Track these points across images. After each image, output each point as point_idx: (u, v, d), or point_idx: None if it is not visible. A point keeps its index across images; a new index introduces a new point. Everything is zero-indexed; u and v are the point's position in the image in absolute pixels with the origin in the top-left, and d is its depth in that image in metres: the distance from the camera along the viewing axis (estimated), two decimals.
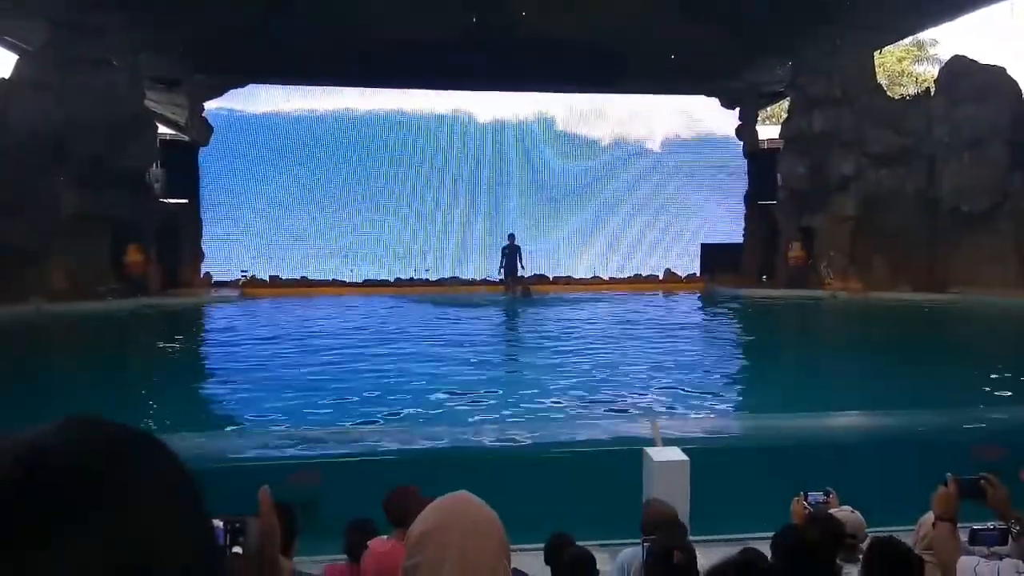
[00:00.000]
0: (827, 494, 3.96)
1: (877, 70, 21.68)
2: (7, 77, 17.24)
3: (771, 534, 3.60)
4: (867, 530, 3.72)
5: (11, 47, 18.22)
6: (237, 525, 1.96)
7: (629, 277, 23.25)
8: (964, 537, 3.03)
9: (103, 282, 17.76)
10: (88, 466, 0.47)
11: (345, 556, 4.02)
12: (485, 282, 21.94)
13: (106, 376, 10.90)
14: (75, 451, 0.48)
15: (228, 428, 8.63)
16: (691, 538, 3.73)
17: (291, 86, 22.12)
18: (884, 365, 11.48)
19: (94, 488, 0.46)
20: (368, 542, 3.74)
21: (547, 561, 3.66)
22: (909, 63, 34.42)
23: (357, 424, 8.32)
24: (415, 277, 22.27)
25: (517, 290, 20.54)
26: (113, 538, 0.45)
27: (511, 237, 20.94)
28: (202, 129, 21.46)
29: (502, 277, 21.11)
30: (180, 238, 20.86)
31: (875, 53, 21.63)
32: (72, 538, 0.44)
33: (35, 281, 16.86)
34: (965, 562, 2.84)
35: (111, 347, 13.99)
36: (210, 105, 21.50)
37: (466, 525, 1.23)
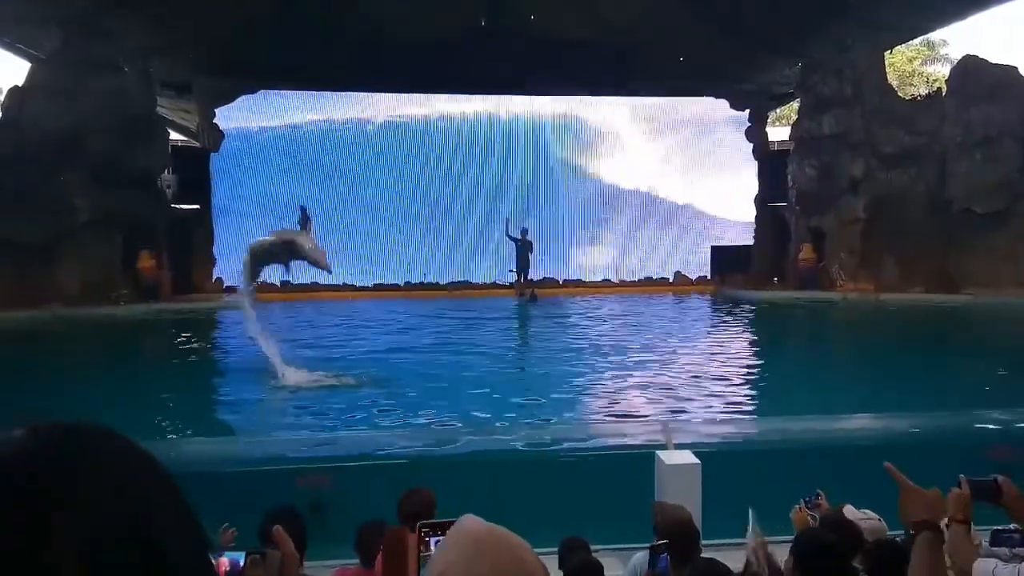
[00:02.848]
0: (816, 496, 3.96)
1: (887, 70, 21.58)
2: (21, 84, 17.42)
3: (783, 538, 3.59)
4: (888, 534, 3.70)
5: (24, 54, 18.41)
6: (257, 557, 1.98)
7: (639, 280, 23.21)
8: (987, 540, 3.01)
9: (116, 287, 17.89)
10: (70, 455, 0.52)
11: (356, 560, 4.02)
12: (495, 285, 21.95)
13: (116, 381, 10.95)
14: (56, 444, 0.53)
15: (239, 434, 8.67)
16: (703, 542, 3.72)
17: (301, 91, 22.20)
18: (896, 367, 11.41)
19: (77, 471, 0.52)
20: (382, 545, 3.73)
21: (560, 566, 3.65)
22: (920, 63, 34.26)
23: (370, 427, 8.33)
24: (424, 281, 22.29)
25: (526, 293, 20.54)
26: (99, 508, 0.51)
27: (524, 232, 20.90)
28: (213, 135, 21.57)
29: (514, 272, 21.10)
30: (192, 243, 20.97)
31: (885, 53, 21.54)
32: (66, 509, 0.49)
33: (49, 285, 17.03)
34: (982, 565, 2.82)
35: (123, 352, 14.05)
36: (222, 112, 21.61)
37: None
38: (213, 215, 21.65)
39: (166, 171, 20.12)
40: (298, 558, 2.34)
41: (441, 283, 22.28)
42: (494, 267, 22.20)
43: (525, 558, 1.09)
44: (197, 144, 22.06)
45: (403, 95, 22.64)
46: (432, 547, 1.48)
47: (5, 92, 17.57)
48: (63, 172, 17.11)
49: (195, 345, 15.05)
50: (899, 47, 27.05)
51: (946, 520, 3.12)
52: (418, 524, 1.46)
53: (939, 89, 20.73)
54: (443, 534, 1.50)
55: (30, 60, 18.19)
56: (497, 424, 8.33)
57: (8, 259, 16.46)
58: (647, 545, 3.65)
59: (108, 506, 0.52)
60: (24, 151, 16.67)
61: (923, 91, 25.71)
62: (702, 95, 23.24)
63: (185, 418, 8.97)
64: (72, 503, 0.50)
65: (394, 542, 1.43)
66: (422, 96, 22.71)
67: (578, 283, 22.90)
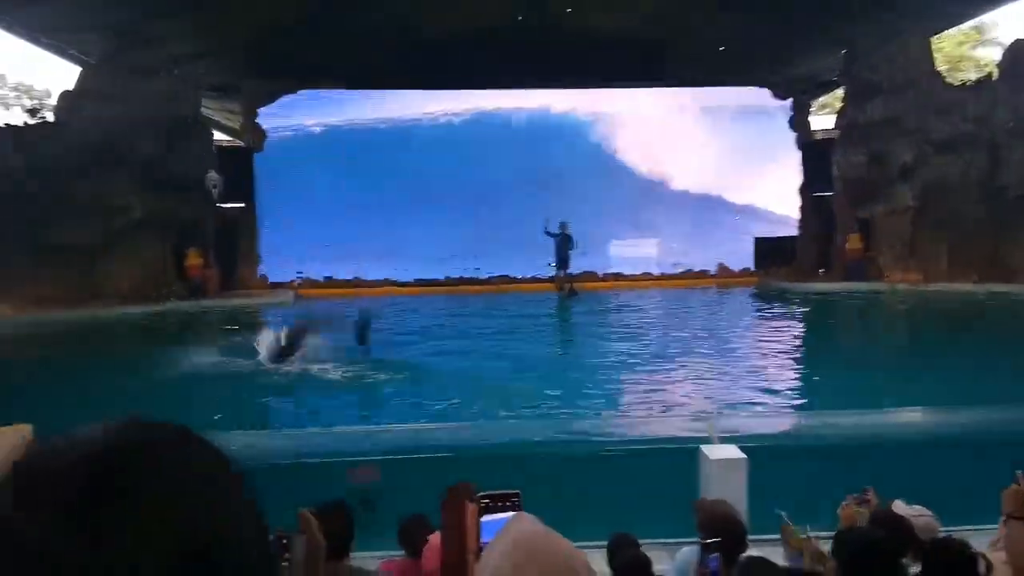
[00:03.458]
0: (865, 492, 3.88)
1: (936, 55, 21.01)
2: (72, 88, 17.90)
3: (830, 533, 3.52)
4: (941, 530, 3.61)
5: (74, 59, 18.92)
6: (284, 541, 1.99)
7: (680, 273, 22.98)
8: None
9: (165, 285, 18.34)
10: (149, 454, 0.54)
11: (401, 552, 4.06)
12: (535, 280, 21.92)
13: (168, 377, 11.19)
14: (137, 442, 0.55)
15: (288, 428, 8.80)
16: (750, 537, 3.67)
17: (341, 90, 22.40)
18: (948, 359, 11.12)
19: (155, 471, 0.53)
20: (428, 536, 3.76)
21: (610, 562, 3.63)
22: (969, 47, 33.29)
23: (412, 422, 8.39)
24: (465, 276, 22.35)
25: (565, 287, 20.48)
26: (173, 509, 0.52)
27: (563, 226, 20.81)
28: (257, 135, 21.91)
29: (553, 266, 21.03)
30: (237, 241, 21.37)
31: (933, 38, 20.96)
32: (141, 509, 0.51)
33: (102, 285, 17.54)
34: None
35: (172, 348, 14.34)
36: (264, 112, 21.92)
37: None
38: (258, 213, 22.01)
39: (211, 171, 20.51)
40: (324, 544, 2.34)
41: (482, 278, 22.33)
42: (535, 261, 22.12)
43: (575, 566, 1.07)
44: (241, 144, 22.45)
45: (442, 92, 22.67)
46: (487, 519, 1.48)
47: (57, 96, 18.07)
48: (113, 174, 17.56)
49: (238, 340, 15.29)
50: (948, 31, 26.29)
51: (1003, 516, 3.04)
52: (477, 495, 1.47)
53: (990, 74, 20.13)
54: (500, 504, 1.49)
55: (80, 64, 18.69)
56: (538, 418, 8.33)
57: (62, 260, 16.96)
58: (694, 540, 3.62)
59: (181, 504, 0.53)
60: (76, 154, 17.15)
61: (973, 76, 24.97)
62: (743, 84, 22.89)
63: (232, 412, 9.14)
64: (145, 500, 0.51)
65: (455, 501, 1.44)
66: (462, 92, 22.72)
67: (618, 277, 22.76)
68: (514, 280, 22.22)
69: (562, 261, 20.90)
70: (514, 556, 1.05)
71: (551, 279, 21.34)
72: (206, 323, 17.14)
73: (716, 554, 3.15)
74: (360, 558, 4.00)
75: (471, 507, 1.44)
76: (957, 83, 21.21)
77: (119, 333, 15.72)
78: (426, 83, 21.95)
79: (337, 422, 8.73)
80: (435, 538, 3.74)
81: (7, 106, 31.80)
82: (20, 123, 17.79)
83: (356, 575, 3.06)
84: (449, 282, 22.12)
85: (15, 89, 36.30)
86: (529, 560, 1.04)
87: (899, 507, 3.78)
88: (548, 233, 20.59)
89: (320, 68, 20.24)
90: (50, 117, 18.15)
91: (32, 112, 19.05)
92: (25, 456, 0.53)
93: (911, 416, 7.47)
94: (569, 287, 20.42)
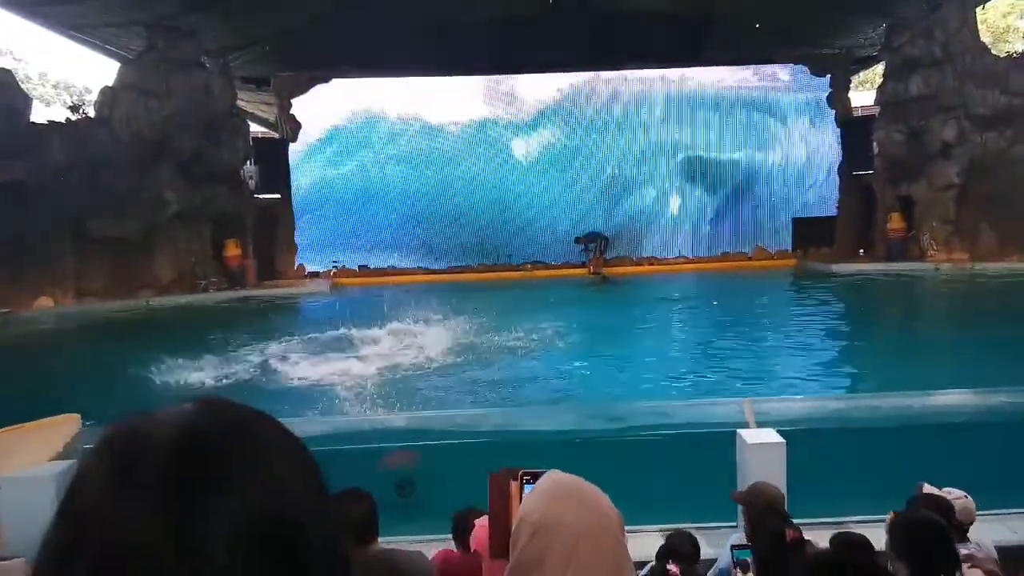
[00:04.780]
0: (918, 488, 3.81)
1: (980, 27, 20.39)
2: (112, 84, 18.21)
3: (870, 517, 3.49)
4: (978, 513, 3.56)
5: (112, 55, 19.25)
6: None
7: (716, 255, 22.74)
8: None
9: (205, 276, 18.67)
10: (230, 436, 0.58)
11: (450, 536, 4.12)
12: (568, 265, 21.89)
13: (207, 363, 11.40)
14: (219, 425, 0.59)
15: (327, 414, 8.92)
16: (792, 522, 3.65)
17: (374, 79, 22.41)
18: (992, 340, 10.87)
19: (236, 453, 0.57)
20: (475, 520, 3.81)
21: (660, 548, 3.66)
22: (1015, 18, 32.29)
23: (452, 408, 8.46)
24: (497, 262, 22.37)
25: (600, 273, 20.45)
26: (253, 490, 0.55)
27: (592, 234, 21.15)
28: (292, 125, 22.11)
29: (588, 250, 21.10)
30: (274, 231, 21.64)
31: (977, 9, 20.33)
32: (224, 489, 0.54)
33: (144, 276, 17.92)
34: None
35: (214, 335, 14.58)
36: (299, 102, 22.08)
37: (580, 528, 1.14)
38: (293, 203, 22.23)
39: (248, 163, 20.78)
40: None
41: (514, 263, 22.33)
42: (567, 247, 22.11)
43: (602, 503, 1.21)
44: (276, 135, 22.68)
45: (474, 78, 22.55)
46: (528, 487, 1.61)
47: (98, 92, 18.42)
48: (153, 167, 17.88)
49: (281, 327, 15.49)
50: (992, 1, 25.52)
51: None
52: (520, 472, 1.60)
53: None
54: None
55: (119, 60, 19.01)
56: (576, 404, 8.34)
57: (106, 252, 17.35)
58: (731, 524, 3.62)
59: (263, 479, 0.56)
60: (116, 149, 17.47)
61: (1019, 47, 24.21)
62: (781, 62, 22.48)
63: (277, 399, 9.29)
64: (231, 476, 0.55)
65: (500, 485, 1.60)
66: (494, 78, 22.60)
67: (652, 260, 22.60)
68: (547, 265, 22.20)
69: (597, 248, 21.01)
70: (549, 495, 1.19)
71: (584, 264, 21.33)
72: (242, 312, 17.42)
73: (749, 550, 3.18)
74: (400, 542, 4.06)
75: (515, 485, 1.56)
76: (1002, 55, 20.59)
77: (158, 323, 16.04)
78: (459, 70, 21.90)
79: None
80: (482, 520, 3.78)
81: (49, 103, 32.55)
82: (62, 119, 18.14)
83: (385, 557, 3.06)
84: (483, 268, 22.17)
85: (56, 86, 37.17)
86: (561, 498, 1.18)
87: (927, 489, 3.71)
88: (579, 239, 20.88)
89: (353, 58, 20.31)
90: (91, 112, 18.48)
91: (73, 108, 19.35)
92: (115, 434, 0.57)
93: (954, 398, 7.33)
94: (602, 274, 20.39)
